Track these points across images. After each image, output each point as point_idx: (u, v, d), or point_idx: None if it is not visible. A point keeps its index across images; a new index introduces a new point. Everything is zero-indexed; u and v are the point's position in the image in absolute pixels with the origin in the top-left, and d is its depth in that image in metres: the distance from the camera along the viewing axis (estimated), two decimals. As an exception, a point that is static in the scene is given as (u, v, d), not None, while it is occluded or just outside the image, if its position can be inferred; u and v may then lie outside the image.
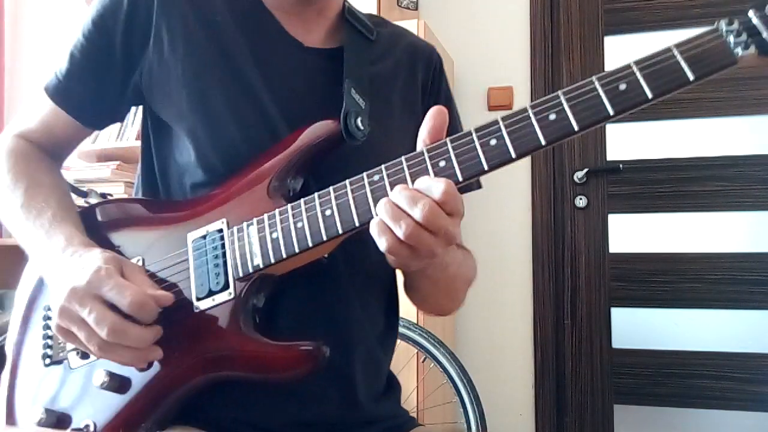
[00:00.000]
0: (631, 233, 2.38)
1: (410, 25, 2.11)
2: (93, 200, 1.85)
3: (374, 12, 2.17)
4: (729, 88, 2.30)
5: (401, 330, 1.83)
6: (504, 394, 2.41)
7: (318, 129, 0.74)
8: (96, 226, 0.81)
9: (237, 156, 0.76)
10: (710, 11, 2.33)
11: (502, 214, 2.48)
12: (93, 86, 0.83)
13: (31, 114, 0.87)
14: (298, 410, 0.76)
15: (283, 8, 0.85)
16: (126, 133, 2.43)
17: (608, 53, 2.44)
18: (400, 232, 0.60)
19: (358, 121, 0.75)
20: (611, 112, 0.59)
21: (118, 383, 0.72)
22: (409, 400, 1.94)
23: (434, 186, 0.60)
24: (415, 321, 1.86)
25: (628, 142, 2.39)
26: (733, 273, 2.27)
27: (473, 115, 2.47)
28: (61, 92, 0.84)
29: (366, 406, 0.81)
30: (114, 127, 2.42)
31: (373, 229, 0.62)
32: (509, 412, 2.41)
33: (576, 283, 2.42)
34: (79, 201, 1.88)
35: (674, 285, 2.32)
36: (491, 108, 2.49)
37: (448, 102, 0.96)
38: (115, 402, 0.72)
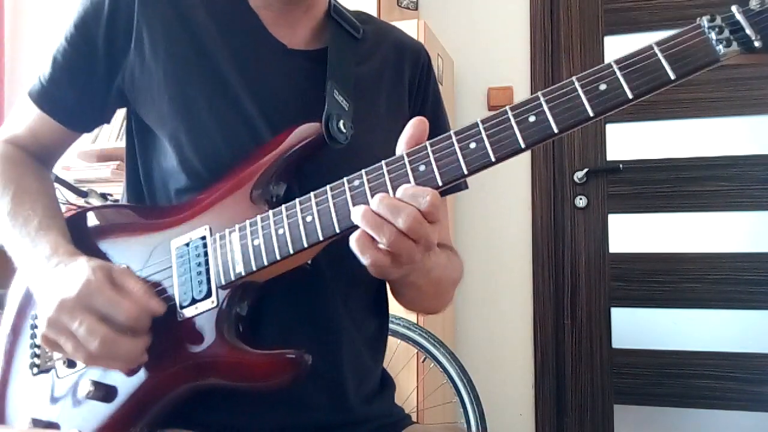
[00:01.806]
0: (631, 233, 2.38)
1: (410, 25, 2.11)
2: (93, 200, 1.84)
3: (374, 12, 2.17)
4: (729, 88, 2.30)
5: (401, 330, 1.83)
6: (504, 394, 2.41)
7: (300, 133, 0.73)
8: (82, 233, 0.81)
9: (220, 161, 0.76)
10: (710, 11, 2.32)
11: (502, 214, 2.48)
12: (77, 90, 0.82)
13: (18, 119, 0.87)
14: (287, 416, 0.76)
15: (269, 7, 0.83)
16: (126, 133, 2.43)
17: (608, 53, 2.44)
18: (383, 241, 0.60)
19: (341, 123, 0.75)
20: (591, 114, 0.58)
21: (103, 393, 0.72)
22: (409, 400, 1.94)
23: (421, 196, 0.60)
24: (415, 321, 1.87)
25: (628, 142, 2.39)
26: (733, 273, 2.27)
27: (473, 115, 2.47)
28: (46, 97, 0.83)
29: (357, 408, 0.81)
30: (114, 127, 2.42)
31: (354, 243, 0.62)
32: (509, 412, 2.41)
33: (576, 283, 2.42)
34: (80, 201, 1.89)
35: (674, 285, 2.32)
36: (491, 108, 2.49)
37: (437, 102, 0.95)
38: (101, 411, 0.72)
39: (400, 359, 1.92)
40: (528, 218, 2.45)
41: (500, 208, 2.48)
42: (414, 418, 0.92)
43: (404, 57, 0.91)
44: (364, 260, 0.62)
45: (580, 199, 2.42)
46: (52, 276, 0.70)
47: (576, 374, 2.40)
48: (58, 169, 2.11)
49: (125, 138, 0.87)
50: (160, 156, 0.81)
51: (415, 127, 0.65)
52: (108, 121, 0.88)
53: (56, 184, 1.84)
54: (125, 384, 0.72)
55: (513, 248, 2.46)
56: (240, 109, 0.77)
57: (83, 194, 1.87)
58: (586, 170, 2.40)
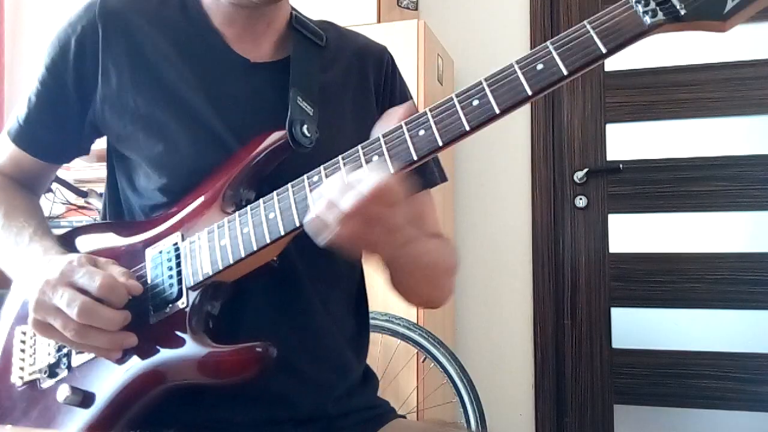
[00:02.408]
0: (631, 233, 2.38)
1: (410, 25, 2.11)
2: (93, 200, 1.85)
3: (374, 12, 2.17)
4: (729, 88, 2.30)
5: (401, 330, 1.83)
6: (504, 394, 2.41)
7: (265, 140, 0.77)
8: (69, 250, 0.82)
9: (193, 177, 0.79)
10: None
11: (502, 214, 2.48)
12: (52, 128, 0.87)
13: (0, 151, 0.91)
14: (268, 410, 0.78)
15: (232, 24, 0.86)
16: (126, 133, 2.43)
17: (608, 53, 2.44)
18: (329, 221, 0.62)
19: (304, 128, 0.77)
20: (529, 92, 0.61)
21: (80, 397, 0.74)
22: (409, 400, 1.94)
23: (365, 179, 0.62)
24: (415, 321, 1.86)
25: (628, 142, 2.39)
26: (733, 273, 2.27)
27: (473, 115, 2.47)
28: (22, 137, 0.88)
29: (338, 402, 0.83)
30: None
31: (308, 226, 0.64)
32: (509, 412, 2.41)
33: (576, 283, 2.42)
34: (80, 201, 1.89)
35: (674, 285, 2.32)
36: (491, 108, 2.48)
37: (405, 100, 0.96)
38: (80, 416, 0.74)
39: (400, 359, 1.92)
40: (528, 218, 2.45)
41: (500, 208, 2.48)
42: (414, 418, 0.93)
43: (367, 61, 0.94)
44: (319, 242, 0.64)
45: (580, 199, 2.42)
46: (42, 268, 0.72)
47: (576, 374, 2.40)
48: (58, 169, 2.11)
49: (106, 162, 0.90)
50: (135, 177, 0.84)
51: (405, 109, 0.67)
52: (87, 152, 0.92)
53: (56, 184, 1.85)
54: (102, 388, 0.74)
55: (513, 248, 2.46)
56: (207, 127, 0.80)
57: (83, 194, 1.87)
58: (586, 170, 2.40)
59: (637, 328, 2.37)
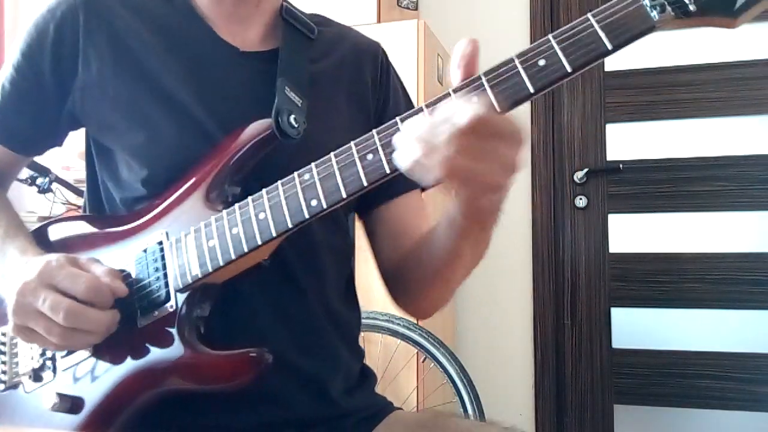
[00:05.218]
0: (631, 233, 2.38)
1: (410, 25, 2.11)
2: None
3: (374, 12, 2.17)
4: (729, 88, 2.30)
5: (401, 330, 1.83)
6: (504, 394, 2.41)
7: (250, 130, 0.74)
8: (45, 246, 0.81)
9: (176, 169, 0.76)
10: (710, 11, 2.33)
11: (502, 214, 2.48)
12: (27, 117, 0.83)
13: None
14: (268, 413, 0.76)
15: (219, 4, 0.84)
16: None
17: (608, 53, 2.44)
18: (430, 161, 0.54)
19: (291, 118, 0.74)
20: (532, 90, 0.58)
21: (69, 404, 0.72)
22: (409, 400, 1.94)
23: (458, 111, 0.54)
24: (416, 321, 1.86)
25: (628, 142, 2.39)
26: (733, 273, 2.27)
27: (473, 115, 2.47)
28: None
29: (339, 402, 0.82)
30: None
31: (410, 172, 0.57)
32: (509, 412, 2.41)
33: (576, 283, 2.42)
34: (79, 201, 1.88)
35: (674, 285, 2.32)
36: (491, 108, 2.49)
37: (401, 90, 0.96)
38: (69, 423, 0.72)
39: (400, 359, 1.92)
40: (528, 218, 2.45)
41: (500, 208, 2.48)
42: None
43: (363, 57, 0.93)
44: (426, 183, 0.56)
45: (580, 199, 2.42)
46: (19, 271, 0.70)
47: (576, 374, 2.39)
48: (58, 169, 2.11)
49: (85, 154, 0.88)
50: (117, 169, 0.82)
51: (464, 54, 0.62)
52: (60, 145, 0.89)
53: (56, 184, 1.84)
54: (90, 394, 0.72)
55: (513, 248, 2.46)
56: (191, 117, 0.78)
57: (83, 194, 1.87)
58: (586, 170, 2.40)
59: (637, 328, 2.37)
